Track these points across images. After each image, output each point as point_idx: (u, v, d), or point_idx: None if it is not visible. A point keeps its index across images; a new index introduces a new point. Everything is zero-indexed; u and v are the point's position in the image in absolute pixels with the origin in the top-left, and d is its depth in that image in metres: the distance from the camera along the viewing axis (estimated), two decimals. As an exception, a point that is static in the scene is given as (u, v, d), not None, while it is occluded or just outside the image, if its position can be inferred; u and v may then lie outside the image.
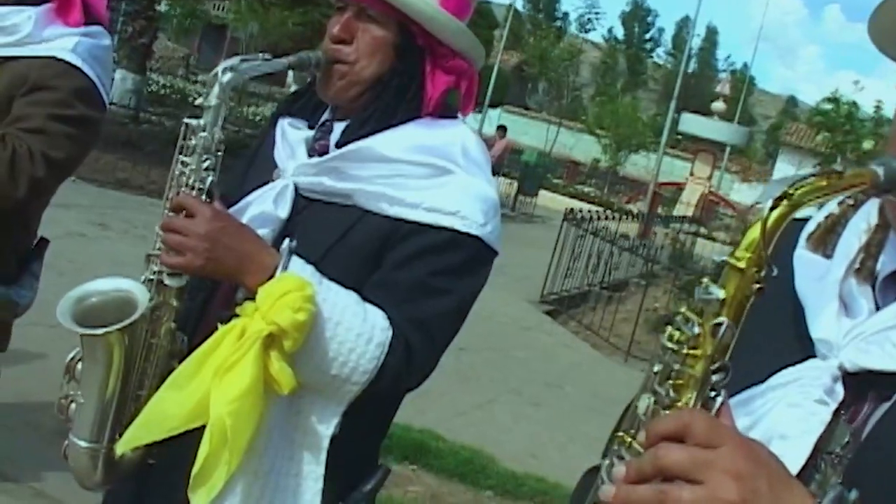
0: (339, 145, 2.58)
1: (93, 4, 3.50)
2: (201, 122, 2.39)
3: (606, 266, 17.03)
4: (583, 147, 52.26)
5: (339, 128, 2.63)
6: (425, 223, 2.46)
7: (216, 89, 2.38)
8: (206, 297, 2.61)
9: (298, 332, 2.23)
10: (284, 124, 2.74)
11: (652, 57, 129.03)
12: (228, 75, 2.38)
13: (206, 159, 2.39)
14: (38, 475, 5.64)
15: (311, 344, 2.30)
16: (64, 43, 3.37)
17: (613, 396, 11.09)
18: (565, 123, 51.29)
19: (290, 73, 57.74)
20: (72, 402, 2.48)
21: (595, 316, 15.41)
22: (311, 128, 2.71)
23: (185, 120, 2.40)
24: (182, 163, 2.39)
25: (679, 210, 34.25)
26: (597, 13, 71.10)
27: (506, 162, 33.95)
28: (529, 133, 51.23)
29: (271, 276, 2.31)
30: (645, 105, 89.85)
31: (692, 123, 37.30)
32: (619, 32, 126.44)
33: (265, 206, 2.54)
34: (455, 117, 2.67)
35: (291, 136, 2.68)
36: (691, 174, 37.43)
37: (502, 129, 35.15)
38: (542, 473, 7.71)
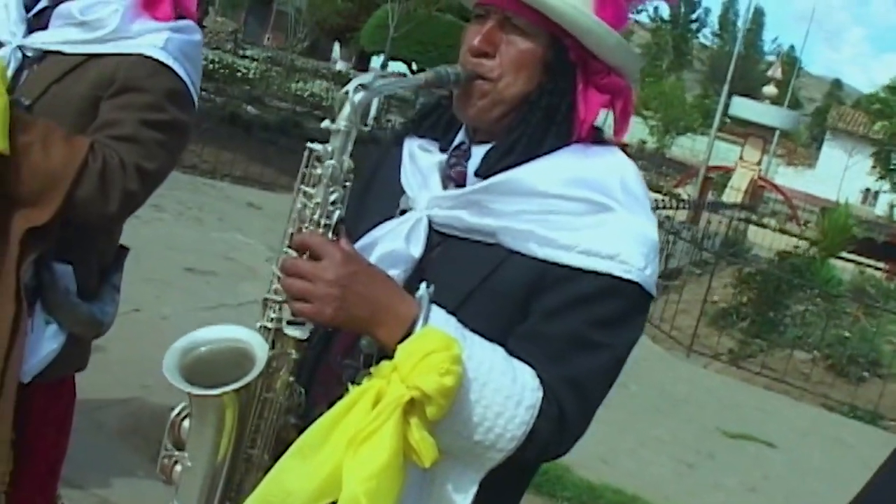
0: (479, 174, 2.27)
1: None
2: (328, 147, 2.07)
3: (661, 254, 16.70)
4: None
5: (478, 153, 2.31)
6: (580, 268, 2.14)
7: (347, 110, 2.07)
8: (322, 344, 2.30)
9: (444, 398, 1.94)
10: (413, 146, 2.43)
11: (697, 37, 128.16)
12: (361, 94, 2.07)
13: (333, 191, 2.08)
14: (105, 481, 5.45)
15: (455, 408, 2.00)
16: (153, 39, 3.10)
17: (679, 395, 10.83)
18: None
19: (337, 48, 57.86)
20: (176, 463, 2.21)
21: (653, 307, 15.03)
22: (442, 150, 2.40)
23: (309, 145, 2.10)
24: (305, 194, 2.09)
25: (729, 195, 33.79)
26: (645, -7, 70.40)
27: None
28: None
29: (409, 329, 2.02)
30: (689, 86, 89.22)
31: (743, 107, 36.76)
32: (665, 12, 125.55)
33: (396, 244, 2.24)
34: (606, 143, 2.35)
35: (422, 161, 2.38)
36: (741, 158, 36.92)
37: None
38: (616, 482, 7.46)
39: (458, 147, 2.38)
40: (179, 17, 3.21)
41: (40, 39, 3.14)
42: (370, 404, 1.95)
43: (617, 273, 2.15)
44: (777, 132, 42.95)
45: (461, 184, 2.31)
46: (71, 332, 3.15)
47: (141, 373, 6.44)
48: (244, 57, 32.93)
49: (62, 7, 3.12)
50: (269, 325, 2.12)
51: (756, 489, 8.75)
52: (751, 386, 12.64)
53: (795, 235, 27.33)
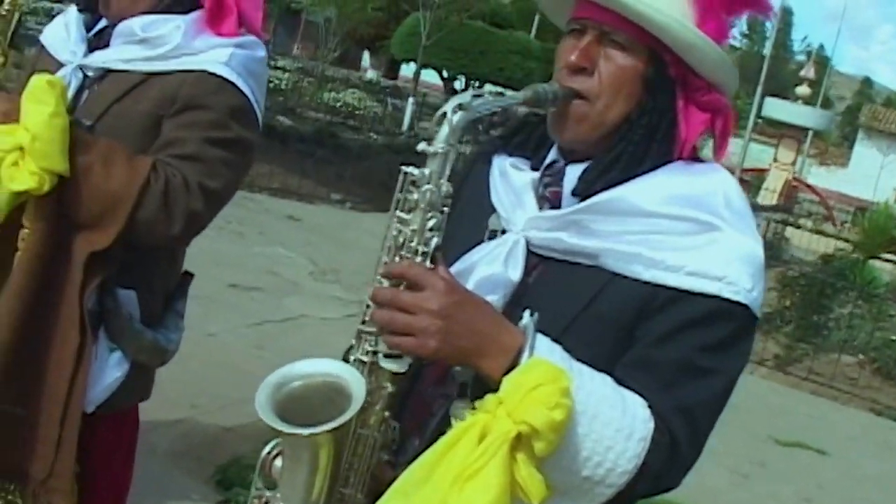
0: (576, 193, 2.15)
1: (245, 11, 3.12)
2: (425, 171, 1.95)
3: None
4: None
5: (573, 171, 2.19)
6: (689, 290, 2.02)
7: (444, 132, 1.95)
8: (414, 374, 2.18)
9: (554, 433, 1.82)
10: (505, 164, 2.31)
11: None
12: (459, 115, 1.95)
13: (431, 217, 1.96)
14: (159, 504, 5.37)
15: (564, 443, 1.88)
16: (217, 55, 3.00)
17: (728, 403, 10.68)
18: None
19: (367, 57, 57.88)
20: (267, 503, 2.11)
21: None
22: (534, 168, 2.28)
23: (404, 168, 1.98)
24: (400, 220, 1.97)
25: (764, 197, 33.56)
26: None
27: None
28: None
29: (515, 360, 1.90)
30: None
31: (777, 108, 36.53)
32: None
33: (495, 268, 2.12)
34: (702, 160, 2.22)
35: (515, 180, 2.26)
36: (775, 160, 36.67)
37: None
38: (672, 493, 7.21)
39: (551, 165, 2.26)
40: (243, 32, 3.11)
41: (101, 58, 3.06)
42: (475, 440, 1.85)
43: (726, 295, 2.03)
44: (810, 132, 42.72)
45: (556, 204, 2.20)
46: (135, 360, 3.07)
47: (190, 393, 6.40)
48: (275, 68, 32.91)
49: (123, 25, 3.04)
50: (365, 358, 2.00)
51: (811, 499, 8.60)
52: (798, 391, 12.49)
53: (833, 236, 27.08)
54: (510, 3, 49.84)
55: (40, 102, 2.76)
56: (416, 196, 1.96)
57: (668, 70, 2.13)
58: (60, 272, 2.87)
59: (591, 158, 2.17)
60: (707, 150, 2.31)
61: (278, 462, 2.10)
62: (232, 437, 6.34)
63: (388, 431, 2.06)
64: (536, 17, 52.78)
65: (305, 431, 1.91)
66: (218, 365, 7.45)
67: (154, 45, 3.00)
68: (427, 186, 1.94)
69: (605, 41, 2.13)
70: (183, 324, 3.28)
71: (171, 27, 2.99)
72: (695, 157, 2.20)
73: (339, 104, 28.17)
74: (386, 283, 1.96)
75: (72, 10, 3.20)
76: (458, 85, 46.21)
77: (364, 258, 12.80)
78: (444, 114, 1.96)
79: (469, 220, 2.27)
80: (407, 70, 53.80)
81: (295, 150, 18.95)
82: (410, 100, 30.64)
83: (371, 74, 50.25)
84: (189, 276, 3.38)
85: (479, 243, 2.22)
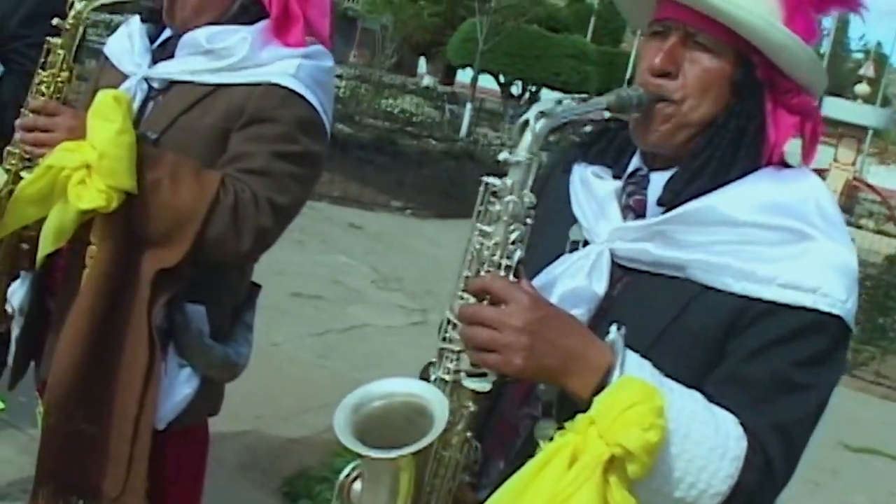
0: (661, 203, 2.07)
1: (313, 21, 3.05)
2: (507, 181, 1.88)
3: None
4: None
5: (657, 180, 2.11)
6: (782, 302, 1.94)
7: (528, 140, 1.87)
8: (496, 393, 2.11)
9: (648, 455, 1.75)
10: (586, 173, 2.23)
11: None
12: (542, 122, 1.87)
13: (514, 229, 1.88)
14: (227, 517, 5.34)
15: (657, 464, 1.80)
16: (284, 66, 2.93)
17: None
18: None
19: (423, 63, 57.95)
20: (348, 529, 2.02)
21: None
22: (615, 177, 2.21)
23: (486, 179, 1.91)
24: (482, 233, 1.90)
25: (825, 198, 33.19)
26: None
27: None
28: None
29: (604, 378, 1.83)
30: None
31: (837, 107, 36.09)
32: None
33: (579, 281, 2.05)
34: (790, 166, 2.14)
35: (598, 189, 2.18)
36: (835, 160, 36.30)
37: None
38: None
39: (634, 174, 2.18)
40: (311, 42, 3.04)
41: (166, 70, 3.01)
42: (566, 463, 1.78)
43: (821, 307, 1.95)
44: (870, 131, 42.30)
45: (641, 213, 2.13)
46: (205, 375, 3.01)
47: (255, 403, 6.35)
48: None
49: (188, 36, 2.98)
50: (447, 377, 1.92)
51: (885, 507, 8.45)
52: (866, 395, 12.27)
53: (896, 236, 26.78)
54: (565, 7, 49.76)
55: (106, 119, 2.73)
56: (498, 207, 1.89)
57: (756, 72, 2.05)
58: (129, 290, 2.83)
59: (675, 165, 2.10)
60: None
61: (357, 485, 2.04)
62: (298, 449, 6.30)
63: (471, 452, 1.99)
64: (592, 21, 52.68)
65: (387, 455, 1.85)
66: (282, 375, 7.41)
67: (220, 56, 2.94)
68: (509, 197, 1.87)
69: (689, 43, 2.05)
70: (252, 337, 3.23)
71: (238, 38, 2.94)
72: (783, 163, 2.12)
73: (396, 111, 28.17)
74: (468, 297, 1.90)
75: (135, 21, 3.16)
76: (514, 90, 46.22)
77: (426, 266, 12.84)
78: (527, 121, 1.88)
79: (549, 231, 2.19)
80: (463, 76, 53.82)
81: (355, 157, 18.91)
82: (468, 105, 30.62)
83: (427, 80, 50.20)
84: (257, 287, 3.32)
85: (559, 255, 2.16)
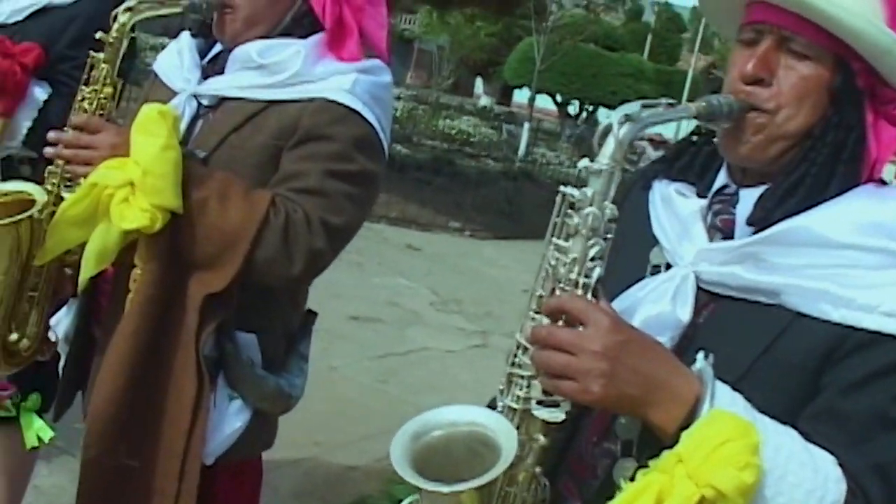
0: (752, 222, 1.90)
1: (370, 34, 2.90)
2: (587, 192, 1.72)
3: None
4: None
5: (747, 197, 1.94)
6: (885, 332, 1.76)
7: (610, 147, 1.69)
8: (571, 426, 1.93)
9: (743, 497, 1.59)
10: (668, 190, 2.06)
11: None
12: (626, 127, 1.70)
13: (593, 244, 1.72)
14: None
15: None
16: (339, 82, 2.78)
17: None
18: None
19: (480, 83, 58.02)
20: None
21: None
22: (699, 195, 2.03)
23: (563, 189, 1.75)
24: (558, 248, 1.74)
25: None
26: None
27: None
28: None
29: (692, 410, 1.67)
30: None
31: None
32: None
33: (662, 306, 1.89)
34: (886, 183, 1.95)
35: (681, 208, 2.01)
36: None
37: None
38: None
39: (721, 191, 2.01)
40: (369, 56, 2.90)
41: (216, 86, 2.87)
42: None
43: None
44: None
45: (728, 234, 1.96)
46: (257, 408, 2.85)
47: (312, 429, 6.24)
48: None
49: (239, 50, 2.85)
50: (515, 405, 1.77)
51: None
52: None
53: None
54: (622, 25, 49.71)
55: (151, 134, 2.59)
56: (576, 220, 1.74)
57: (856, 80, 1.88)
58: (175, 315, 2.68)
59: (767, 182, 1.94)
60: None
61: None
62: (357, 476, 6.20)
63: (539, 491, 1.84)
64: (649, 39, 52.57)
65: (447, 489, 1.70)
66: (340, 400, 7.31)
67: (272, 71, 2.80)
68: (589, 209, 1.73)
69: (784, 48, 1.89)
70: (307, 367, 3.06)
71: (291, 52, 2.80)
72: (881, 180, 1.94)
73: (454, 131, 28.10)
74: (541, 318, 1.74)
75: (185, 36, 3.04)
76: (571, 109, 46.22)
77: (485, 287, 12.77)
78: (610, 126, 1.73)
79: (628, 253, 2.03)
80: (519, 95, 53.93)
81: (412, 178, 18.88)
82: (526, 125, 30.49)
83: (484, 101, 50.29)
84: (312, 315, 3.16)
85: (638, 279, 2.00)
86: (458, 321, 11.01)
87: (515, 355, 1.77)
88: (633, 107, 1.76)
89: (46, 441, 3.73)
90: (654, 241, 2.04)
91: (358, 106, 2.78)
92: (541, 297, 1.75)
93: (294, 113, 2.76)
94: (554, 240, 1.75)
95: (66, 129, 2.78)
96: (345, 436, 6.67)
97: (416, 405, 8.10)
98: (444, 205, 18.05)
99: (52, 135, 2.76)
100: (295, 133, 2.76)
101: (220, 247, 2.63)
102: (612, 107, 42.98)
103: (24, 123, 3.59)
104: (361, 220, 2.88)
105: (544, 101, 46.37)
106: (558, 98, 45.96)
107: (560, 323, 1.70)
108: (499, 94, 55.04)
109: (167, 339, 2.68)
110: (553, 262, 1.74)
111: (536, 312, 1.75)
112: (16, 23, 3.71)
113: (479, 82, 58.29)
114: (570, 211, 1.74)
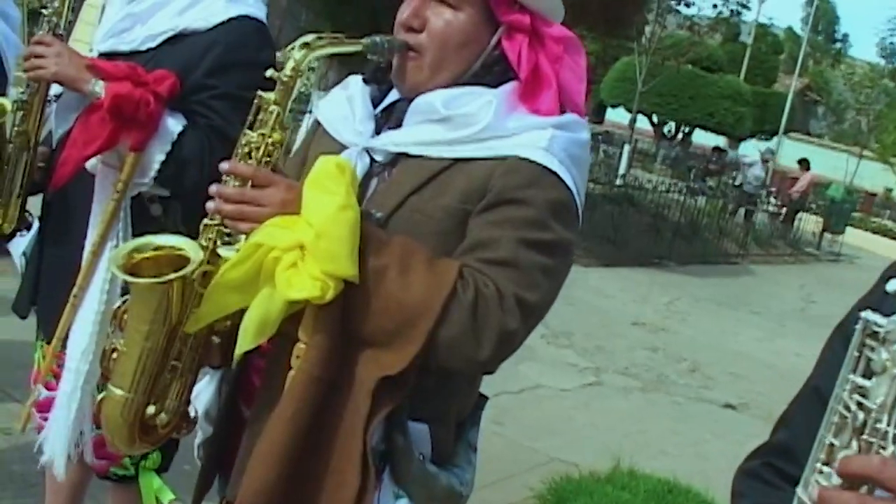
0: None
1: (566, 84, 2.59)
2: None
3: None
4: (867, 174, 49.67)
5: None
6: None
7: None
8: None
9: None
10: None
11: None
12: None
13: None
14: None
15: None
16: (535, 138, 2.45)
17: None
18: (852, 150, 49.24)
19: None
20: None
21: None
22: None
23: (864, 315, 1.41)
24: (857, 388, 1.40)
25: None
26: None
27: (810, 197, 32.32)
28: (813, 161, 49.39)
29: None
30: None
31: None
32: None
33: None
34: None
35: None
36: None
37: (805, 162, 33.03)
38: None
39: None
40: (563, 109, 2.58)
41: (392, 140, 2.55)
42: None
43: None
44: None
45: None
46: (423, 508, 2.52)
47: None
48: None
49: (421, 100, 2.53)
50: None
51: None
52: None
53: None
54: (719, 47, 49.17)
55: (327, 191, 2.28)
56: (884, 356, 1.38)
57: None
58: (342, 399, 2.35)
59: None
60: None
61: None
62: (481, 532, 5.86)
63: None
64: (745, 60, 51.94)
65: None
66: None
67: (459, 124, 2.48)
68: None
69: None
70: (476, 458, 2.74)
71: (482, 103, 2.49)
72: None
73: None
74: (832, 474, 1.40)
75: (355, 82, 2.73)
76: (666, 130, 45.82)
77: (594, 319, 12.56)
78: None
79: None
80: (612, 115, 53.47)
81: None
82: (626, 147, 30.13)
83: (581, 121, 50.06)
84: (484, 399, 2.85)
85: None
86: (570, 356, 10.72)
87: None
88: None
89: (165, 503, 3.51)
90: None
91: (555, 166, 2.45)
92: (831, 446, 1.41)
93: (483, 173, 2.45)
94: (851, 377, 1.41)
95: (225, 178, 2.43)
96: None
97: (533, 451, 7.84)
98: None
99: (213, 188, 2.43)
100: (484, 196, 2.44)
101: (400, 323, 2.30)
102: (709, 128, 42.54)
103: (157, 157, 3.32)
104: (555, 296, 2.55)
105: (640, 121, 46.07)
106: (654, 118, 45.50)
107: (863, 490, 1.36)
108: (592, 113, 54.63)
109: (330, 427, 2.36)
110: (852, 407, 1.40)
111: (825, 464, 1.42)
112: (149, 49, 3.48)
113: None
114: (871, 342, 1.40)
